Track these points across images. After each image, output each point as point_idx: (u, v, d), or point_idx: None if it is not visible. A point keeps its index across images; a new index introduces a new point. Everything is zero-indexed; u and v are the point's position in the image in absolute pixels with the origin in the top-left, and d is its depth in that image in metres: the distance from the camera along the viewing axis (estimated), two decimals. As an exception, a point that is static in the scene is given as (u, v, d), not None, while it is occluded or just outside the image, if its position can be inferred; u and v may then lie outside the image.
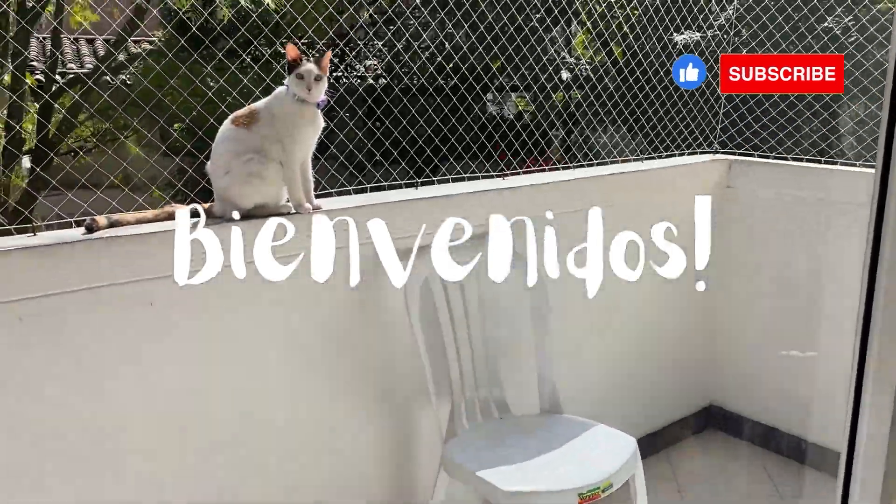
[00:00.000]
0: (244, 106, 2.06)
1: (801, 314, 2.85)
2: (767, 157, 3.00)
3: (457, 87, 3.01)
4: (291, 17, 3.80)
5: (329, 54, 1.94)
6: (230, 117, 1.92)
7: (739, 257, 3.01)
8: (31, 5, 5.81)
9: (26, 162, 6.02)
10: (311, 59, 1.89)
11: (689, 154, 3.09)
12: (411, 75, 6.40)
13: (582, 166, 2.75)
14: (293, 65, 1.87)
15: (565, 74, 7.84)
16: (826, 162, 2.85)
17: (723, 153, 3.12)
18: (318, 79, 1.87)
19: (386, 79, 6.88)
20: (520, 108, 8.44)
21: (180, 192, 2.21)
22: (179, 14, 3.61)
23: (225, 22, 3.04)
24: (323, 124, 1.97)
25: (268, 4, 3.23)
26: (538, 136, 3.38)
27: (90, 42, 9.63)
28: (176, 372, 1.86)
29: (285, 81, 1.90)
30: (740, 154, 3.08)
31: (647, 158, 2.94)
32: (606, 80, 3.14)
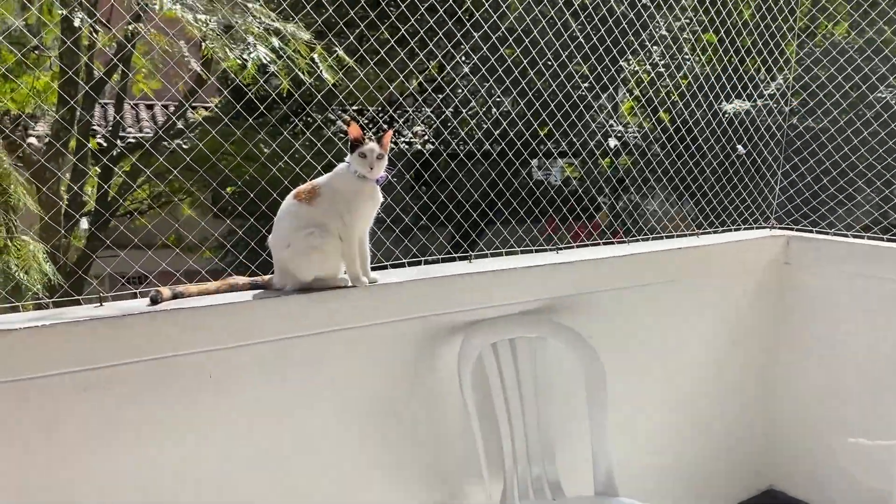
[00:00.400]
0: (295, 170, 2.10)
1: (871, 397, 2.72)
2: (827, 232, 2.93)
3: (504, 152, 3.04)
4: (344, 86, 3.92)
5: (390, 133, 1.98)
6: (292, 192, 1.95)
7: (799, 336, 2.91)
8: (97, 74, 6.12)
9: (84, 223, 6.23)
10: (373, 137, 1.93)
11: (746, 228, 3.04)
12: (459, 141, 6.52)
13: (636, 240, 2.72)
14: (356, 143, 1.90)
15: (613, 142, 7.89)
16: (889, 239, 2.78)
17: (780, 228, 3.06)
18: (379, 157, 1.91)
19: (434, 144, 7.01)
20: (568, 173, 8.50)
21: (240, 262, 2.25)
22: (237, 81, 3.71)
23: (283, 93, 3.14)
24: (381, 199, 2.00)
25: (326, 78, 3.32)
26: (587, 202, 3.38)
27: (149, 107, 10.07)
28: (228, 442, 1.86)
29: (346, 159, 1.94)
30: (798, 230, 3.02)
31: (702, 233, 2.90)
32: (656, 147, 3.15)
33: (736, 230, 3.02)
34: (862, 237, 2.82)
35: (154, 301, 1.76)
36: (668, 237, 2.80)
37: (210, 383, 1.79)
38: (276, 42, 3.22)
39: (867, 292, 2.70)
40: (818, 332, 2.86)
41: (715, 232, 2.96)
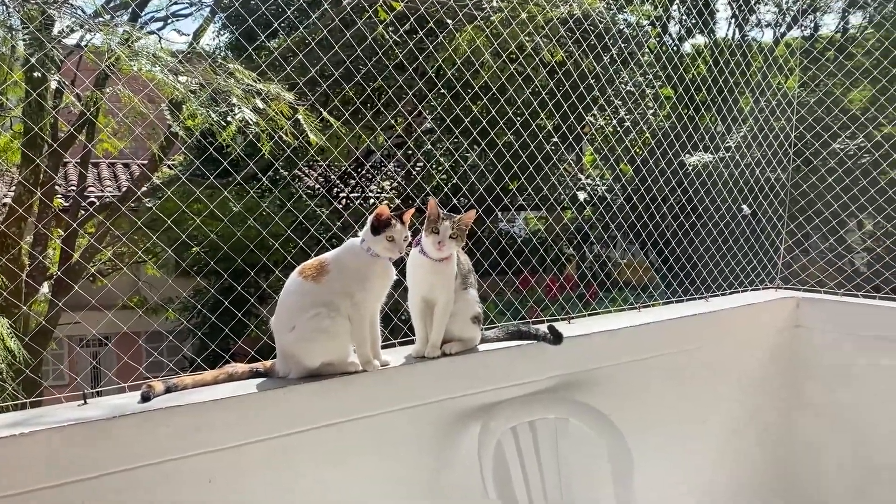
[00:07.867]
0: (262, 232, 1.95)
1: (891, 468, 2.60)
2: (835, 293, 2.84)
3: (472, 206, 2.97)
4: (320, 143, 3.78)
5: (412, 211, 1.83)
6: (297, 269, 1.78)
7: (817, 403, 2.77)
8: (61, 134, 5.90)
9: (45, 288, 5.93)
10: (396, 218, 1.77)
11: (753, 290, 2.95)
12: (425, 196, 6.48)
13: (647, 305, 2.60)
14: (382, 225, 1.75)
15: (581, 195, 7.92)
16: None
17: (785, 289, 2.97)
18: (405, 239, 1.77)
19: (415, 199, 6.94)
20: (537, 226, 8.50)
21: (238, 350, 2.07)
22: (218, 142, 3.56)
23: (265, 153, 2.99)
24: (395, 276, 1.84)
25: (312, 139, 3.18)
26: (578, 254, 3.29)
27: (111, 166, 9.83)
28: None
29: (360, 234, 1.78)
30: (805, 290, 2.92)
31: (711, 296, 2.79)
32: (624, 198, 3.07)
33: (743, 291, 2.93)
34: (873, 297, 2.74)
35: (145, 398, 1.57)
36: (678, 301, 2.69)
37: (211, 489, 1.59)
38: (259, 103, 3.08)
39: (889, 356, 2.58)
40: (836, 400, 2.73)
41: (723, 294, 2.86)
